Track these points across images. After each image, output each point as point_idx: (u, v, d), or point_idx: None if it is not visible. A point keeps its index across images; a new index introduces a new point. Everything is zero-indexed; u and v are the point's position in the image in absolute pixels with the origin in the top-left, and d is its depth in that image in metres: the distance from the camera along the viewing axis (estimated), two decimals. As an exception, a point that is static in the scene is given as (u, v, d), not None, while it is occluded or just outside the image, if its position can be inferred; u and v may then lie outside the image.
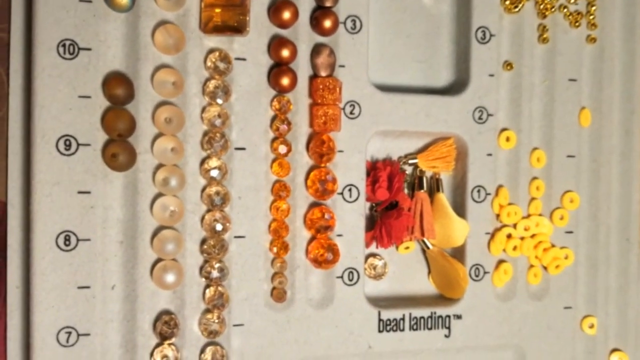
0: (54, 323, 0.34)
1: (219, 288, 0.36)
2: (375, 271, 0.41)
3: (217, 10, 0.35)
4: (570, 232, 0.43)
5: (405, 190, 0.41)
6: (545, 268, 0.43)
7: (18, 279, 0.36)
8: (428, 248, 0.41)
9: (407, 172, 0.41)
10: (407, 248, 0.41)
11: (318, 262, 0.38)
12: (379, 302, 0.40)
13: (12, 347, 0.36)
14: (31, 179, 0.34)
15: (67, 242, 0.34)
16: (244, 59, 0.36)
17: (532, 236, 0.42)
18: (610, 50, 0.43)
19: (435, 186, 0.41)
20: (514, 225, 0.42)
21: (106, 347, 0.35)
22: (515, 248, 0.42)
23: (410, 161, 0.41)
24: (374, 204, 0.41)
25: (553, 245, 0.42)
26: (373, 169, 0.40)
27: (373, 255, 0.41)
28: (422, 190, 0.41)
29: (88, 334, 0.34)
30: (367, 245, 0.40)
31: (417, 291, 0.42)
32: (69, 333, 0.34)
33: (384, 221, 0.40)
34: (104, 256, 0.35)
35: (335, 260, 0.38)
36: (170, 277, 0.35)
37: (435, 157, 0.41)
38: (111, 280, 0.35)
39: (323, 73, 0.37)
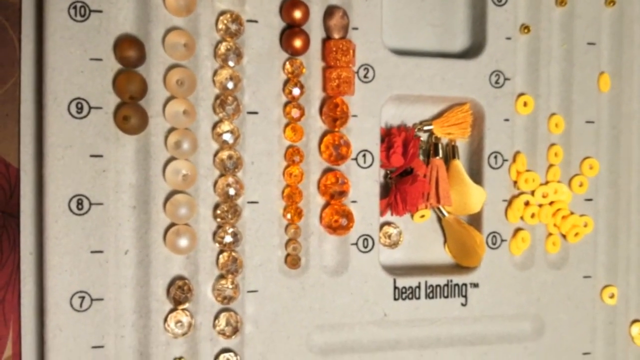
0: (67, 287, 0.34)
1: (233, 253, 0.36)
2: (390, 239, 0.40)
3: (229, -29, 0.34)
4: (590, 199, 0.42)
5: (421, 157, 0.41)
6: (564, 236, 0.42)
7: (31, 245, 0.36)
8: (444, 216, 0.41)
9: (422, 139, 0.41)
10: (422, 216, 0.41)
11: (332, 228, 0.37)
12: (394, 270, 0.40)
13: (26, 314, 0.36)
14: (43, 142, 0.33)
15: (80, 206, 0.34)
16: (255, 21, 0.36)
17: (551, 203, 0.41)
18: (630, 13, 0.42)
19: (451, 153, 0.41)
20: (532, 192, 0.41)
21: (120, 312, 0.35)
22: (533, 215, 0.41)
23: (426, 127, 0.40)
24: (388, 172, 0.40)
25: (572, 213, 0.41)
26: (387, 135, 0.39)
27: (388, 223, 0.41)
28: (437, 157, 0.40)
29: (102, 299, 0.34)
30: (382, 213, 0.40)
31: (432, 261, 0.42)
32: (83, 298, 0.34)
33: (399, 187, 0.39)
34: (116, 221, 0.34)
35: (349, 226, 0.37)
36: (183, 242, 0.35)
37: (451, 124, 0.40)
38: (124, 245, 0.35)
39: (336, 35, 0.36)
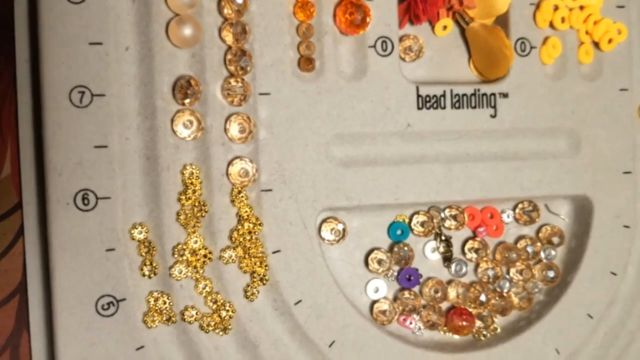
0: (65, 81, 0.31)
1: (241, 48, 0.33)
2: (412, 52, 0.38)
3: None
4: (622, 6, 0.39)
5: (439, -39, 0.38)
6: (597, 45, 0.39)
7: (26, 53, 0.34)
8: (467, 24, 0.38)
9: (439, -57, 0.38)
10: (444, 28, 0.38)
11: (347, 24, 0.34)
12: (416, 82, 0.37)
13: (24, 126, 0.34)
14: None
15: (75, -6, 0.31)
16: None
17: (581, 8, 0.38)
18: None
19: (471, -43, 0.38)
20: (561, -5, 0.38)
21: (123, 112, 0.32)
22: (563, 20, 0.38)
23: None
24: (405, -22, 0.37)
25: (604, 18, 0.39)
26: None
27: (406, 35, 0.38)
28: (457, -41, 0.37)
29: (103, 95, 0.32)
30: (401, 25, 0.37)
31: (457, 78, 0.39)
32: (82, 93, 0.32)
33: (418, -12, 0.36)
34: (115, 12, 0.32)
35: (365, 23, 0.35)
36: (187, 31, 0.32)
37: None
38: (124, 41, 0.32)
39: None
